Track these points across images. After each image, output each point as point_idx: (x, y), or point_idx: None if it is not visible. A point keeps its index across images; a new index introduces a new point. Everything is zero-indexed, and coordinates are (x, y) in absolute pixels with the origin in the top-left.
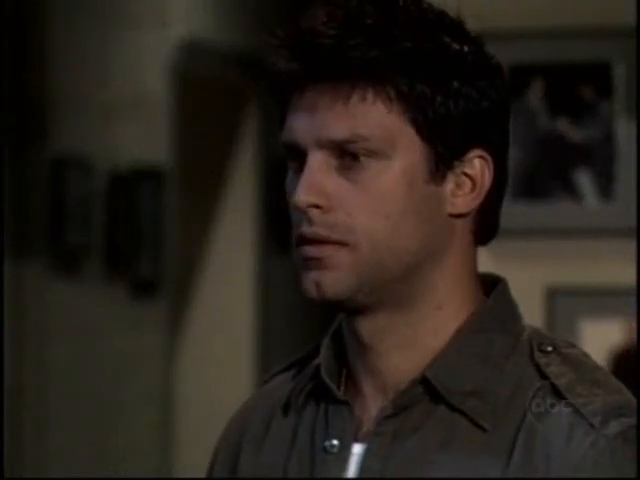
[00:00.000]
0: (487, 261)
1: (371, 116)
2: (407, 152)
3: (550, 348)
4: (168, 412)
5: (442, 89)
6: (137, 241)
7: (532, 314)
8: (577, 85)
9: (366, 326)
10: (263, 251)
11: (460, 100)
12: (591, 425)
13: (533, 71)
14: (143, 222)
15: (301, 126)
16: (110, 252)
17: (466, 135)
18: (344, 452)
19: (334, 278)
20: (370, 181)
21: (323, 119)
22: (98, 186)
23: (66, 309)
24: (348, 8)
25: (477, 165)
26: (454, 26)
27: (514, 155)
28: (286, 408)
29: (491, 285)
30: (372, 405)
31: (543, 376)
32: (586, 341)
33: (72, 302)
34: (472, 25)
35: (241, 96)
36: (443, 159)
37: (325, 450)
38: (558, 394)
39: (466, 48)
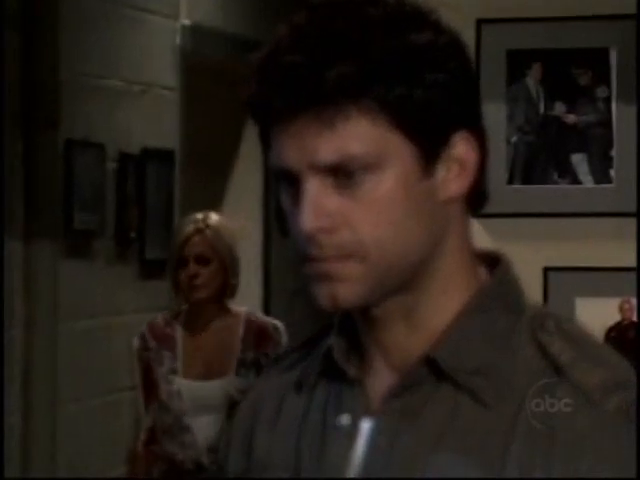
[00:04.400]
0: (486, 241)
1: (358, 133)
2: (398, 157)
3: (552, 326)
4: None
5: (418, 84)
6: (147, 222)
7: (530, 293)
8: (575, 70)
9: (375, 310)
10: (270, 231)
11: (436, 89)
12: (591, 400)
13: (531, 56)
14: (153, 203)
15: (291, 153)
16: (120, 233)
17: (447, 122)
18: (354, 428)
19: (348, 290)
20: (368, 194)
21: (312, 145)
22: (109, 168)
23: (77, 289)
24: (311, 23)
25: (462, 146)
26: (413, 16)
27: (513, 139)
28: (298, 387)
29: (493, 263)
30: (382, 383)
31: (545, 354)
32: (581, 319)
33: (83, 282)
34: (471, 12)
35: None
36: (431, 152)
37: (336, 426)
38: (559, 371)
39: (430, 36)
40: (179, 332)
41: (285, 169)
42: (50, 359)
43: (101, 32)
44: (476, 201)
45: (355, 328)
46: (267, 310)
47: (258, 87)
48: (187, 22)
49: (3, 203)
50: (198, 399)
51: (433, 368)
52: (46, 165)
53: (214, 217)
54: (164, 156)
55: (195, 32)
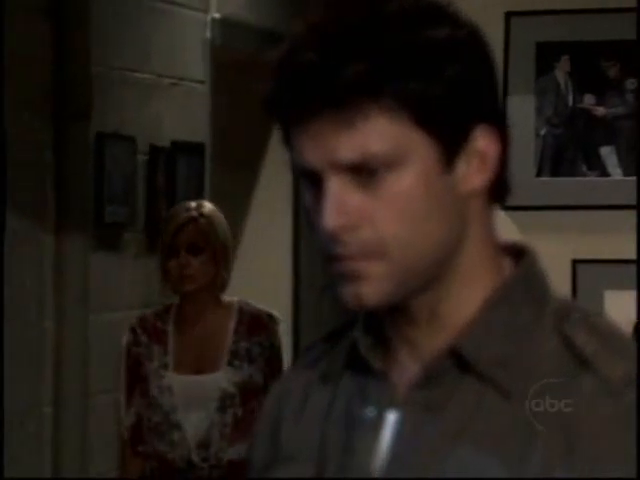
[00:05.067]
0: (515, 234)
1: (378, 131)
2: (418, 154)
3: (577, 318)
4: None
5: (437, 79)
6: None
7: (558, 285)
8: (603, 62)
9: (399, 306)
10: (300, 225)
11: (455, 84)
12: (612, 392)
13: (560, 49)
14: (182, 196)
15: (311, 153)
16: (150, 225)
17: (467, 116)
18: (380, 419)
19: (372, 289)
20: (390, 191)
21: (332, 144)
22: (139, 161)
23: (107, 281)
24: (326, 20)
25: (482, 140)
26: (430, 10)
27: (541, 131)
28: (324, 378)
29: (519, 255)
30: (407, 376)
31: (569, 346)
32: (610, 311)
33: (113, 274)
34: (500, 5)
35: None
36: (451, 147)
37: (361, 418)
38: (583, 363)
39: (448, 30)
40: (170, 326)
41: (307, 169)
42: (81, 351)
43: (132, 25)
44: (499, 194)
45: (380, 321)
46: (297, 306)
47: (276, 87)
48: (217, 15)
49: (5, 198)
50: (190, 394)
51: (457, 360)
52: (77, 158)
53: (208, 206)
54: (194, 149)
55: (225, 25)
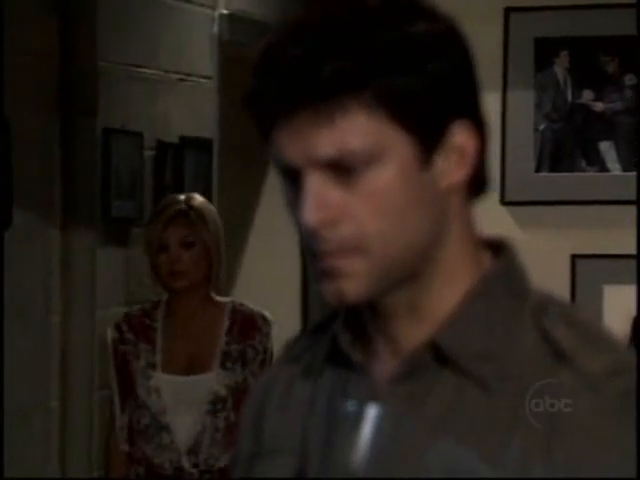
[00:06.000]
0: (514, 229)
1: (356, 128)
2: (397, 149)
3: (556, 312)
4: None
5: (415, 75)
6: None
7: (558, 279)
8: (602, 58)
9: (380, 301)
10: None
11: (433, 79)
12: (593, 386)
13: (559, 44)
14: (190, 192)
15: (291, 149)
16: None
17: (445, 111)
18: (360, 413)
19: (353, 285)
20: (368, 187)
21: (311, 141)
22: (146, 156)
23: (114, 277)
24: (307, 16)
25: (461, 135)
26: (408, 6)
27: (540, 126)
28: (307, 372)
29: (499, 249)
30: (388, 370)
31: (548, 339)
32: (608, 305)
33: (120, 270)
34: (499, 0)
35: None
36: (430, 143)
37: (342, 412)
38: (562, 357)
39: (425, 25)
40: (159, 324)
41: (286, 165)
42: (87, 345)
43: (139, 21)
44: (478, 189)
45: (361, 315)
46: (305, 305)
47: (256, 83)
48: (225, 11)
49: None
50: (179, 396)
51: (436, 354)
52: (84, 153)
53: (198, 198)
54: (202, 145)
55: (233, 21)
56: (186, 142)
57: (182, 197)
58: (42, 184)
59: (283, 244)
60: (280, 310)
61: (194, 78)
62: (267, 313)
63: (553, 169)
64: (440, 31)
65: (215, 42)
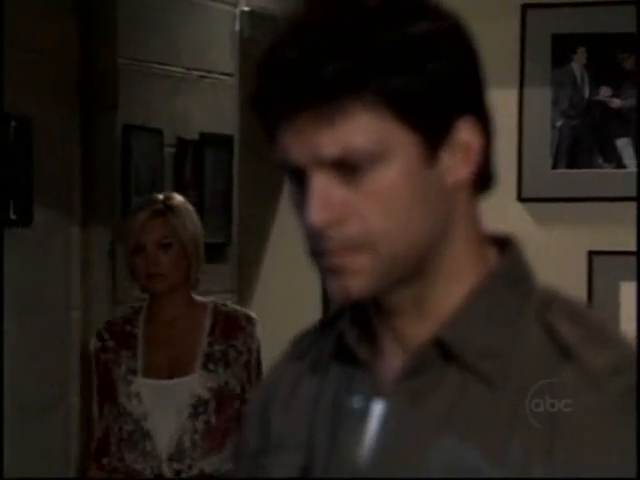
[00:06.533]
0: (531, 226)
1: (360, 126)
2: (401, 148)
3: (560, 308)
4: None
5: (418, 74)
6: (205, 208)
7: (575, 276)
8: (619, 54)
9: (385, 298)
10: None
11: (437, 78)
12: (596, 383)
13: (576, 41)
14: (211, 189)
15: (295, 149)
16: None
17: (449, 109)
18: (366, 410)
19: (359, 282)
20: (373, 186)
21: (315, 141)
22: (166, 153)
23: None
24: (308, 17)
25: (466, 132)
26: (411, 4)
27: (557, 123)
28: (313, 368)
29: (505, 245)
30: (393, 366)
31: (552, 335)
32: (625, 301)
33: None
34: None
35: None
36: (434, 140)
37: (348, 408)
38: (566, 353)
39: (429, 24)
40: (140, 329)
41: (291, 165)
42: None
43: (160, 18)
44: (483, 185)
45: (367, 312)
46: (326, 304)
47: (260, 84)
48: (246, 8)
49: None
50: (160, 400)
51: (442, 350)
52: (104, 150)
53: (177, 198)
54: (222, 142)
55: (254, 18)
56: (206, 139)
57: (160, 197)
58: (62, 181)
59: (305, 241)
60: (301, 307)
61: (215, 75)
62: (252, 313)
63: (570, 166)
64: (442, 30)
65: (236, 39)
